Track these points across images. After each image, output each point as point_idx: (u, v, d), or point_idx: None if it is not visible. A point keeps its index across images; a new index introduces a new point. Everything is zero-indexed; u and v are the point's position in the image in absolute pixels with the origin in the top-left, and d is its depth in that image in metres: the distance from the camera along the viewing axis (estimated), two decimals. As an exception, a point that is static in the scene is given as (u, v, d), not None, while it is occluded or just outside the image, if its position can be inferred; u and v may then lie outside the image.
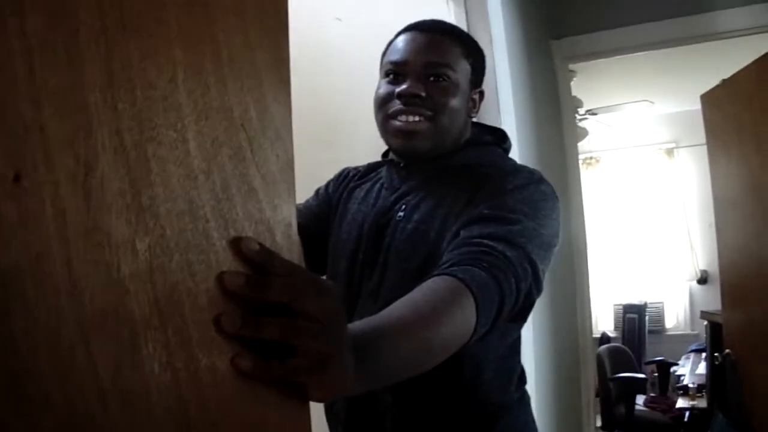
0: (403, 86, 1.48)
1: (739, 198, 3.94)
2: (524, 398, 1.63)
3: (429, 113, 1.49)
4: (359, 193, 1.69)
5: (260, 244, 0.77)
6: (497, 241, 1.23)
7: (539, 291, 1.31)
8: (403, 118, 1.49)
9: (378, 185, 1.66)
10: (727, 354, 4.06)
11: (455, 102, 1.51)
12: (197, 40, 0.74)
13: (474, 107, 1.61)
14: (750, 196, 3.78)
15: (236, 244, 0.75)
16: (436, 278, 1.13)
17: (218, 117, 0.75)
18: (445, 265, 1.17)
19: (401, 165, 1.60)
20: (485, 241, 1.23)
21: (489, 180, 1.44)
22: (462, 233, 1.29)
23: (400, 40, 1.55)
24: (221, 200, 0.75)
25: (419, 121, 1.48)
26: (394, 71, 1.53)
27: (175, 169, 0.70)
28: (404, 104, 1.48)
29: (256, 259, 0.76)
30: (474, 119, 1.65)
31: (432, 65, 1.50)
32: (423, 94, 1.48)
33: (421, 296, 1.06)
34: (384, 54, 1.61)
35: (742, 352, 3.96)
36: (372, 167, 1.76)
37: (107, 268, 0.63)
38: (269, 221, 0.80)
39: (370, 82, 1.60)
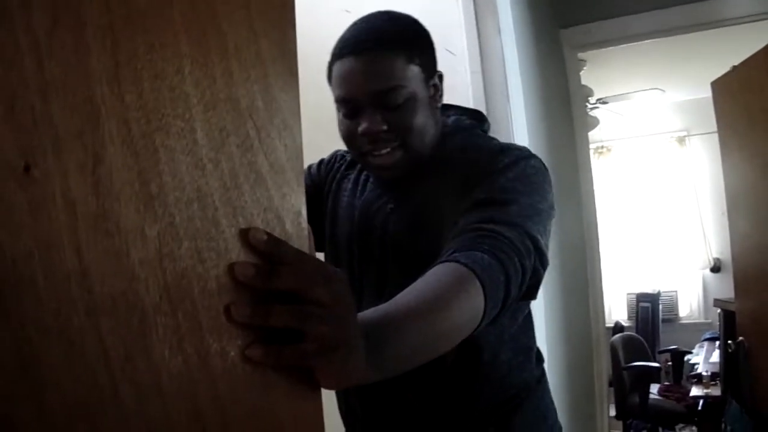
0: (363, 126, 1.43)
1: (752, 185, 3.92)
2: (543, 378, 1.64)
3: (397, 143, 1.45)
4: (347, 184, 1.67)
5: (268, 234, 0.78)
6: (496, 223, 1.23)
7: (544, 266, 1.30)
8: (375, 153, 1.46)
9: (364, 176, 1.65)
10: (741, 342, 4.06)
11: (419, 117, 1.45)
12: (202, 32, 0.75)
13: (437, 93, 1.54)
14: (762, 183, 3.77)
15: (244, 235, 0.76)
16: (439, 266, 1.12)
17: (225, 107, 0.76)
18: (447, 253, 1.17)
19: None
20: (484, 225, 1.23)
21: (479, 163, 1.42)
22: (460, 222, 1.28)
23: (339, 70, 1.45)
24: (230, 188, 0.76)
25: (390, 151, 1.45)
26: (345, 106, 1.46)
27: (184, 158, 0.71)
28: (370, 142, 1.45)
29: (263, 249, 0.77)
30: (459, 103, 1.63)
31: (381, 94, 1.42)
32: (384, 127, 1.42)
33: (426, 284, 1.06)
34: (329, 74, 1.49)
35: (755, 340, 3.96)
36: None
37: (117, 256, 0.65)
38: (278, 209, 0.80)
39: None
